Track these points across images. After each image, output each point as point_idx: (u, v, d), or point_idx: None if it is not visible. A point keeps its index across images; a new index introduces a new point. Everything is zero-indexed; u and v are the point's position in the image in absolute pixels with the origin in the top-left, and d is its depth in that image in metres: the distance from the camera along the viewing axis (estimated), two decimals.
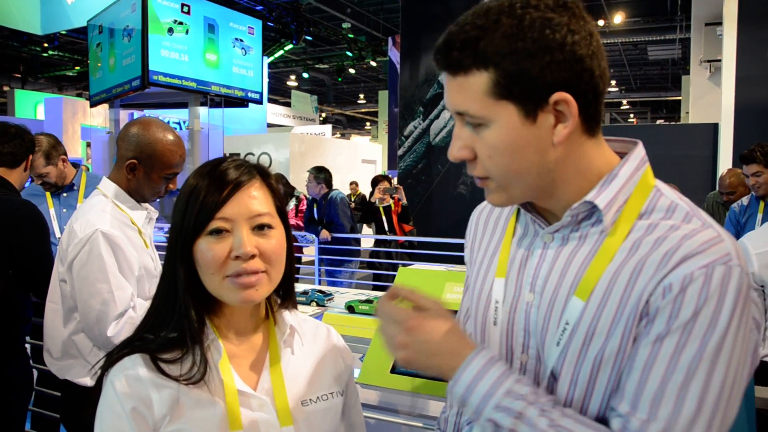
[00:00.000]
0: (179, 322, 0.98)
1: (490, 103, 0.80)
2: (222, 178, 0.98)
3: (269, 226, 0.99)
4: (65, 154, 3.40)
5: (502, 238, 1.00)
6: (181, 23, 7.62)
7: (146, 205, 2.06)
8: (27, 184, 3.55)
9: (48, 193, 3.37)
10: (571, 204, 0.86)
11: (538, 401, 0.82)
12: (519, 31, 0.78)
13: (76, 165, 3.53)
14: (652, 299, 0.79)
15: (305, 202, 6.76)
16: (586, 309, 0.83)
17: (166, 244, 1.03)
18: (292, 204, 6.79)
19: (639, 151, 0.88)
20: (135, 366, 0.96)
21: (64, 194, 3.40)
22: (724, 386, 0.76)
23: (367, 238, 6.84)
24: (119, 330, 1.81)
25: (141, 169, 1.94)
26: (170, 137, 1.96)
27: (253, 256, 0.96)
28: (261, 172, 1.03)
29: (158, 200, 2.15)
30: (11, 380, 2.27)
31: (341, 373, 1.16)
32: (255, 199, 0.99)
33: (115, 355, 0.98)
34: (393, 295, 0.93)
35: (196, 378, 0.95)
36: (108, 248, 1.82)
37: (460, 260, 1.21)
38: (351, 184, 12.29)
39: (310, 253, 6.51)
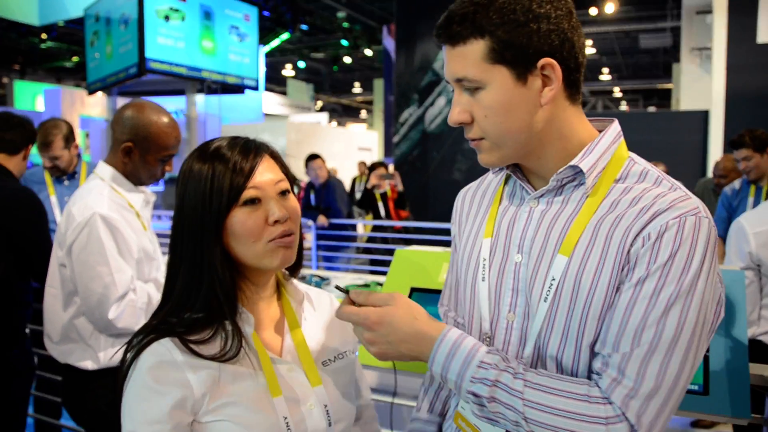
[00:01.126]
0: (207, 301, 0.99)
1: (486, 68, 0.90)
2: (242, 152, 1.01)
3: (288, 191, 1.04)
4: (76, 141, 3.49)
5: (490, 206, 1.08)
6: (177, 10, 7.60)
7: (143, 188, 2.04)
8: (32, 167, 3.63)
9: (49, 180, 3.43)
10: (556, 168, 0.95)
11: (509, 367, 0.89)
12: (510, 4, 0.89)
13: (78, 155, 3.61)
14: (632, 250, 0.87)
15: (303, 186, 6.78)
16: (570, 264, 0.91)
17: (173, 227, 1.03)
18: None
19: (615, 127, 0.98)
20: (168, 351, 0.96)
21: (66, 182, 3.45)
22: (698, 319, 0.84)
23: (364, 224, 6.89)
24: (120, 313, 1.80)
25: (137, 151, 1.92)
26: (165, 119, 1.94)
27: (286, 219, 1.01)
28: (265, 145, 1.08)
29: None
30: (12, 366, 2.29)
31: (349, 333, 1.21)
32: (273, 167, 1.04)
33: (140, 342, 0.98)
34: (350, 302, 0.99)
35: (232, 353, 0.97)
36: (107, 231, 1.81)
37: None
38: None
39: (307, 238, 6.57)
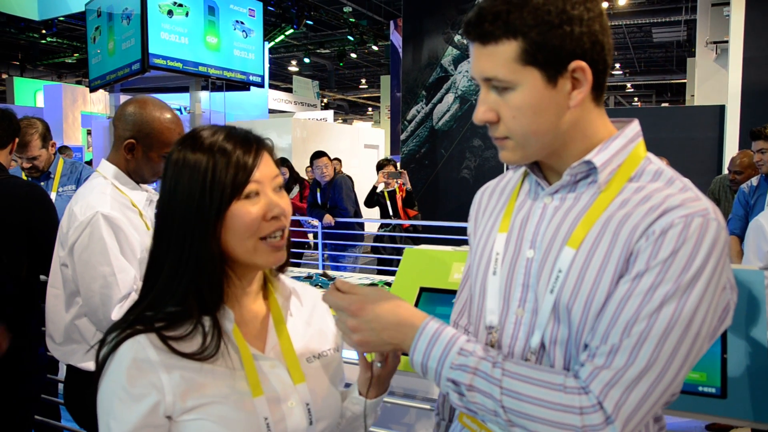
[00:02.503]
0: (185, 295, 0.97)
1: (517, 69, 0.90)
2: (243, 144, 1.00)
3: (282, 187, 1.04)
4: (53, 140, 3.44)
5: (507, 202, 1.10)
6: (180, 5, 7.56)
7: (146, 186, 2.03)
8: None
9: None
10: (572, 164, 0.96)
11: (489, 356, 0.91)
12: (544, 6, 0.88)
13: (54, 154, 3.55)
14: (635, 246, 0.88)
15: (309, 185, 6.69)
16: (576, 256, 0.92)
17: (160, 218, 1.02)
18: (296, 190, 6.72)
19: (634, 126, 0.99)
20: (143, 348, 0.94)
21: (42, 183, 3.38)
22: (693, 319, 0.84)
23: (371, 222, 6.79)
24: (123, 313, 1.77)
25: (139, 148, 1.91)
26: (167, 115, 1.93)
27: (283, 215, 1.02)
28: (262, 139, 1.08)
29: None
30: (28, 364, 2.29)
31: (334, 331, 1.22)
32: (270, 162, 1.03)
33: (117, 337, 0.96)
34: (336, 289, 1.01)
35: (211, 351, 0.96)
36: (109, 230, 1.79)
37: (464, 243, 1.21)
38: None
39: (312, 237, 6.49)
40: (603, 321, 0.87)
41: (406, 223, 6.32)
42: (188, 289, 0.97)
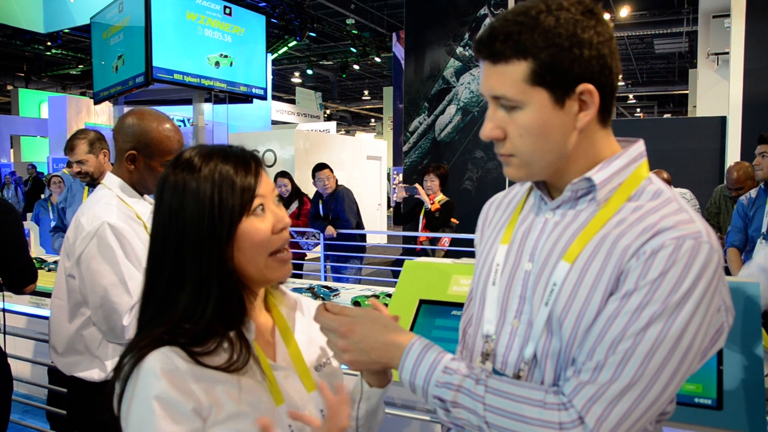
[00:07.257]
0: (215, 316, 0.97)
1: (526, 89, 0.92)
2: (241, 161, 1.01)
3: (281, 198, 1.03)
4: (108, 150, 3.53)
5: (511, 215, 1.12)
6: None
7: (150, 198, 2.04)
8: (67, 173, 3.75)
9: (86, 189, 3.60)
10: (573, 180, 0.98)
11: (473, 373, 0.94)
12: (555, 28, 0.90)
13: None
14: (626, 265, 0.89)
15: (308, 201, 6.64)
16: (570, 271, 0.94)
17: (160, 240, 1.03)
18: (294, 206, 6.65)
19: (638, 146, 1.00)
20: (170, 359, 0.93)
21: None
22: (681, 340, 0.85)
23: (373, 234, 6.75)
24: (133, 319, 1.77)
25: (141, 159, 1.94)
26: (166, 124, 1.95)
27: (288, 227, 1.04)
28: (255, 154, 1.09)
29: None
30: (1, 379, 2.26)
31: None
32: (267, 176, 1.05)
33: (138, 353, 0.94)
34: (325, 309, 1.05)
35: (241, 363, 0.97)
36: (116, 240, 1.82)
37: (466, 255, 1.22)
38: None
39: (315, 249, 6.47)
40: (590, 337, 0.90)
41: (426, 235, 6.11)
42: (217, 309, 0.97)
